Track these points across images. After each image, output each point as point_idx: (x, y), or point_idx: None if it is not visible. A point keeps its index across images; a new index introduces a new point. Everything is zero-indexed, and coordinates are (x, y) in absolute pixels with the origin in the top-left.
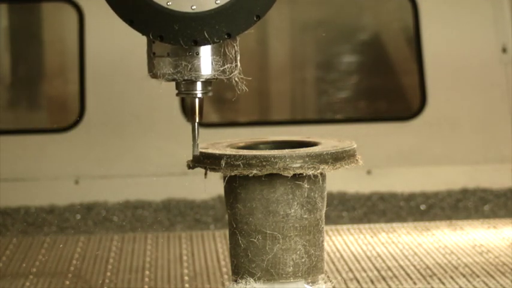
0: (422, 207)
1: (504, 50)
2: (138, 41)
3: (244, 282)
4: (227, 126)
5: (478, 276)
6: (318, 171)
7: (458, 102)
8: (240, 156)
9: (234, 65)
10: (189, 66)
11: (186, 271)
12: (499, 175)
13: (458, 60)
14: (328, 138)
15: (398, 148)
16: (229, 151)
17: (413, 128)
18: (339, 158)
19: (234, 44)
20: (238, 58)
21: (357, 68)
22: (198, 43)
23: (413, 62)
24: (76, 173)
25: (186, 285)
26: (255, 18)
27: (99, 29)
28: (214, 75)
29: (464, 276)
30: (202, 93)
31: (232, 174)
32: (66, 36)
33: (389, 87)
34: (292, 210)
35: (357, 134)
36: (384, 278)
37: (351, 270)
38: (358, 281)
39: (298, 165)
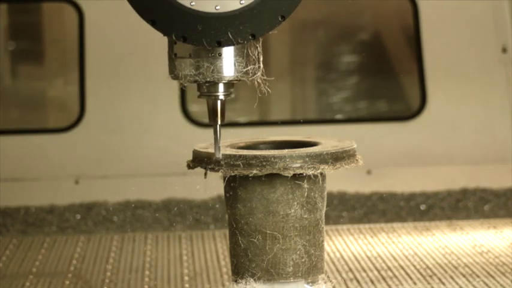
0: (422, 207)
1: (504, 50)
2: (138, 41)
3: (244, 282)
4: (227, 126)
5: (478, 276)
6: (318, 171)
7: (458, 102)
8: (240, 156)
9: (257, 66)
10: (211, 67)
11: (186, 271)
12: (499, 175)
13: (458, 60)
14: (328, 138)
15: (398, 148)
16: (229, 151)
17: (413, 128)
18: (339, 158)
19: (257, 45)
20: (261, 59)
21: (357, 68)
22: (222, 44)
23: (413, 62)
24: (76, 173)
25: (186, 285)
26: (279, 19)
27: (99, 29)
28: (237, 77)
29: (464, 276)
30: (224, 95)
31: (232, 174)
32: (66, 36)
33: (389, 87)
34: (292, 210)
35: (357, 134)
36: (384, 278)
37: (351, 270)
38: (358, 281)
39: (298, 165)
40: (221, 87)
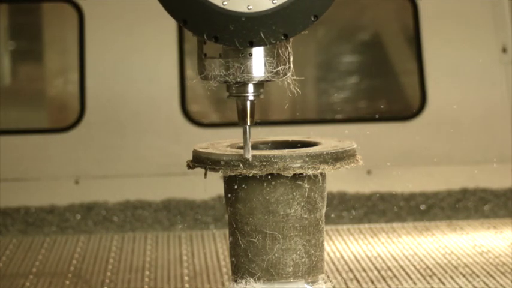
0: (422, 207)
1: (504, 50)
2: (138, 41)
3: (244, 282)
4: (227, 126)
5: (478, 276)
6: (318, 171)
7: (458, 102)
8: (240, 156)
9: (287, 66)
10: (242, 68)
11: (186, 271)
12: (499, 175)
13: (458, 60)
14: (328, 138)
15: (399, 148)
16: (229, 151)
17: (413, 128)
18: (339, 158)
19: (287, 45)
20: (291, 59)
21: (357, 68)
22: (254, 44)
23: (413, 62)
24: (76, 173)
25: (186, 285)
26: (312, 19)
27: (99, 29)
28: (267, 77)
29: (464, 276)
30: (254, 96)
31: (232, 174)
32: (66, 36)
33: (389, 87)
34: (292, 210)
35: (357, 134)
36: (383, 278)
37: (351, 270)
38: (358, 281)
39: (298, 165)
40: (251, 87)
